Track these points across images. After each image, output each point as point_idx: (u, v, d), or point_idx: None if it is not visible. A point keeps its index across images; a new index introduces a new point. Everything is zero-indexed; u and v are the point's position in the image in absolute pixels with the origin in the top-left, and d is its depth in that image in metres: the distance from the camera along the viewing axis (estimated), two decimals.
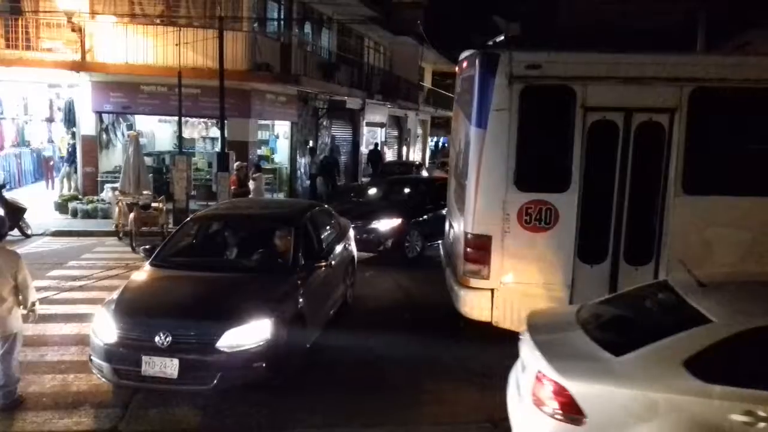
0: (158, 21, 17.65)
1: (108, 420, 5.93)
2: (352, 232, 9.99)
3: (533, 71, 7.03)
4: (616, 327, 5.09)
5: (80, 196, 17.81)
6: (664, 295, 5.07)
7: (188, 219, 8.57)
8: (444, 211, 13.17)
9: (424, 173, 24.89)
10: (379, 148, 29.21)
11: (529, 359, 4.74)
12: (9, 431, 5.73)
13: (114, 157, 19.11)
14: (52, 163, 21.31)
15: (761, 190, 7.23)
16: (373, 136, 32.23)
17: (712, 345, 4.18)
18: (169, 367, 5.83)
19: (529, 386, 4.56)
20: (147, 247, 7.91)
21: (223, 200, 14.83)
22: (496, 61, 7.08)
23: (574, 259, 7.16)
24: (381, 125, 32.72)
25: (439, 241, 13.01)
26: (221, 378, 5.88)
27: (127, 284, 6.96)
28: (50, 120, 21.92)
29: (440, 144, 48.31)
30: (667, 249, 7.12)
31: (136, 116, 19.51)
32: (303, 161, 22.53)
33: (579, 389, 4.23)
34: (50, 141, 22.86)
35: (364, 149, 29.87)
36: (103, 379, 6.19)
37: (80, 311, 8.75)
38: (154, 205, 13.98)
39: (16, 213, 13.48)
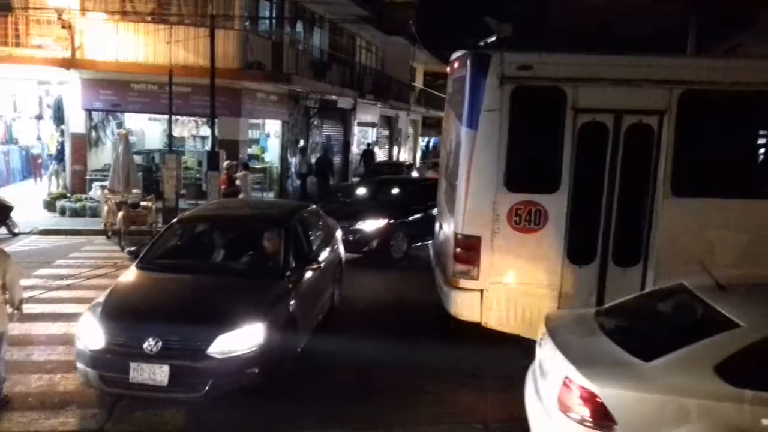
0: (149, 19, 17.55)
1: (94, 421, 5.90)
2: (339, 233, 9.94)
3: (524, 72, 7.04)
4: (641, 332, 5.05)
5: (69, 195, 17.70)
6: (684, 298, 5.04)
7: (175, 220, 8.37)
8: (430, 212, 13.21)
9: (415, 174, 24.89)
10: (371, 147, 29.24)
11: (553, 364, 4.70)
12: None
13: (103, 156, 19.00)
14: (40, 160, 21.19)
15: (750, 192, 7.27)
16: (364, 135, 32.21)
17: (742, 349, 4.18)
18: (159, 374, 5.67)
19: (554, 392, 4.52)
20: (133, 249, 7.74)
21: (213, 199, 14.78)
22: (488, 61, 7.07)
23: (563, 260, 7.16)
24: (372, 125, 32.70)
25: (425, 242, 13.06)
26: (213, 385, 5.73)
27: (113, 288, 6.76)
28: (39, 117, 21.75)
29: (431, 144, 48.33)
30: (655, 251, 7.15)
31: (126, 114, 19.41)
32: (294, 160, 22.49)
33: (610, 396, 4.20)
34: (39, 138, 22.71)
35: (355, 149, 29.85)
36: (90, 387, 6.06)
37: (67, 310, 8.69)
38: (143, 203, 13.91)
39: (2, 211, 13.40)
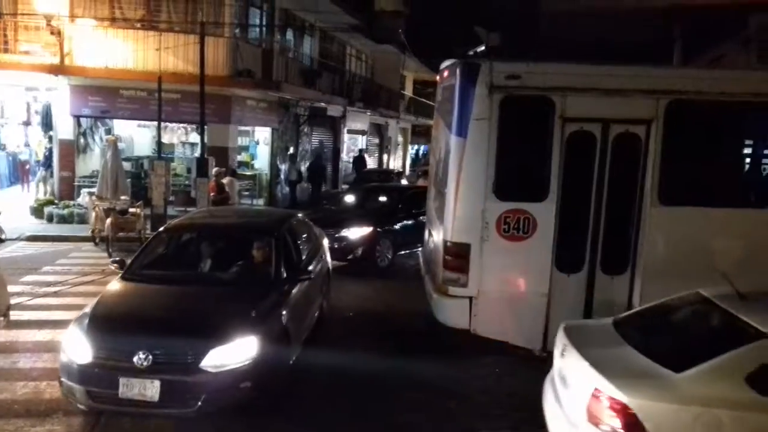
0: (138, 25, 17.52)
1: (81, 429, 5.86)
2: (326, 242, 9.83)
3: (513, 81, 7.10)
4: (667, 342, 5.05)
5: (56, 201, 17.58)
6: (705, 308, 5.07)
7: (162, 229, 8.17)
8: (417, 220, 13.23)
9: (404, 182, 24.94)
10: (362, 155, 29.33)
11: (579, 375, 4.70)
12: None
13: (91, 162, 18.90)
14: (28, 167, 21.05)
15: (737, 201, 7.36)
16: (354, 143, 32.25)
17: None
18: (150, 389, 5.51)
19: (581, 402, 4.53)
20: (117, 259, 7.47)
21: (202, 206, 14.74)
22: (477, 70, 7.13)
23: (552, 268, 7.20)
24: (362, 133, 32.76)
25: (410, 251, 13.06)
26: (205, 400, 5.58)
27: (100, 299, 6.52)
28: (27, 123, 21.65)
29: (421, 152, 48.44)
30: (642, 259, 7.20)
31: (115, 121, 19.32)
32: (283, 167, 22.51)
33: (642, 408, 4.20)
34: (27, 144, 22.55)
35: (345, 156, 29.89)
36: (76, 404, 5.81)
37: (54, 317, 8.64)
38: (131, 210, 13.85)
39: None
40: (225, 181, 14.89)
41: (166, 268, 7.45)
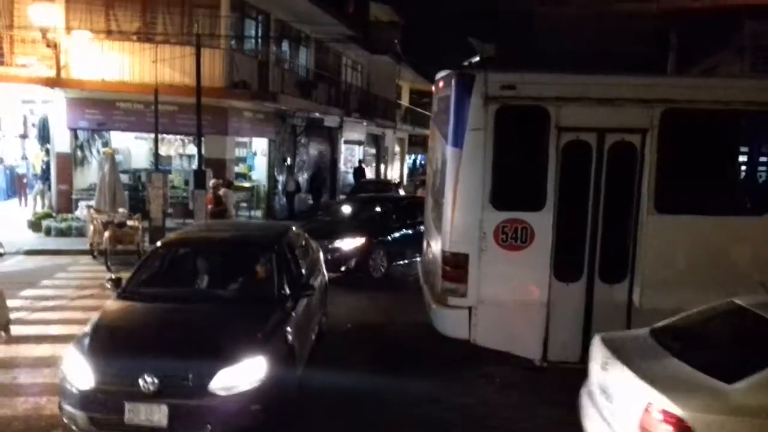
0: (135, 38, 17.59)
1: None
2: (321, 255, 9.64)
3: (508, 92, 7.13)
4: (713, 353, 5.01)
5: (54, 214, 17.58)
6: (744, 317, 5.06)
7: (158, 245, 7.85)
8: (412, 230, 13.22)
9: (402, 192, 24.97)
10: (362, 165, 29.45)
11: (627, 389, 4.68)
12: None
13: (89, 175, 18.92)
14: (25, 180, 21.03)
15: (732, 209, 7.40)
16: (351, 153, 32.32)
17: None
18: (157, 414, 5.30)
19: (631, 417, 4.51)
20: (113, 277, 7.11)
21: (200, 218, 14.75)
22: (472, 81, 7.16)
23: (550, 277, 7.22)
24: (359, 143, 32.83)
25: (405, 261, 13.02)
26: (215, 425, 5.41)
27: (99, 320, 6.25)
28: (24, 136, 21.65)
29: (418, 162, 48.53)
30: (640, 267, 7.22)
31: (112, 133, 19.36)
32: (281, 178, 22.55)
33: (697, 420, 4.18)
34: (24, 158, 22.53)
35: (343, 167, 29.95)
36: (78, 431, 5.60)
37: (53, 332, 8.63)
38: (129, 223, 13.85)
39: None
40: (221, 192, 14.90)
41: (165, 285, 7.22)
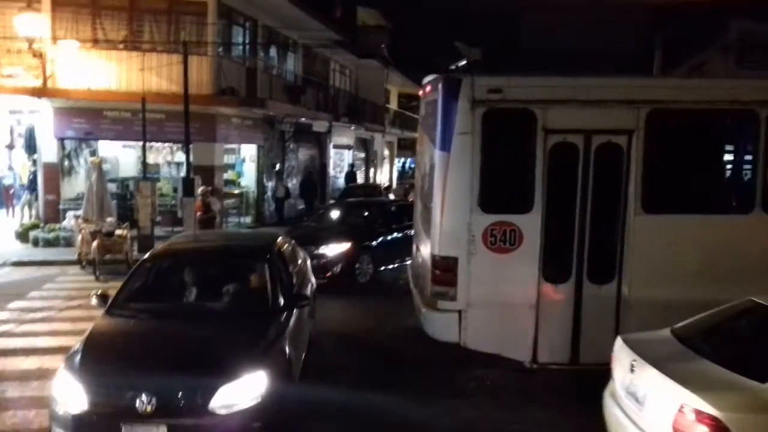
0: (121, 46, 17.53)
1: None
2: (309, 262, 9.49)
3: (495, 95, 7.16)
4: (742, 352, 5.05)
5: (41, 225, 17.46)
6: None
7: (146, 257, 7.53)
8: (398, 235, 13.17)
9: (392, 196, 24.97)
10: (353, 170, 29.49)
11: (659, 391, 4.69)
12: None
13: (77, 184, 18.80)
14: (12, 191, 20.86)
15: (719, 207, 7.45)
16: (340, 158, 32.30)
17: None
18: None
19: (665, 420, 4.52)
20: (99, 293, 6.75)
21: (189, 226, 14.68)
22: (459, 85, 7.19)
23: (539, 279, 7.24)
24: (348, 147, 32.83)
25: (392, 266, 12.96)
26: None
27: (89, 339, 5.96)
28: (11, 147, 21.47)
29: (407, 165, 48.55)
30: (628, 267, 7.25)
31: (100, 142, 19.27)
32: (270, 184, 22.52)
33: (733, 420, 4.21)
34: (10, 168, 22.35)
35: (332, 171, 29.94)
36: None
37: (42, 344, 8.55)
38: (117, 232, 13.76)
39: None
40: (207, 200, 14.86)
41: (155, 300, 6.92)
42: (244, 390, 5.31)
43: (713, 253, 7.27)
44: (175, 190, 19.12)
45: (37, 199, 18.33)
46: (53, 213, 17.98)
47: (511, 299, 7.25)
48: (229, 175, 21.78)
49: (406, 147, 44.22)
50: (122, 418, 5.13)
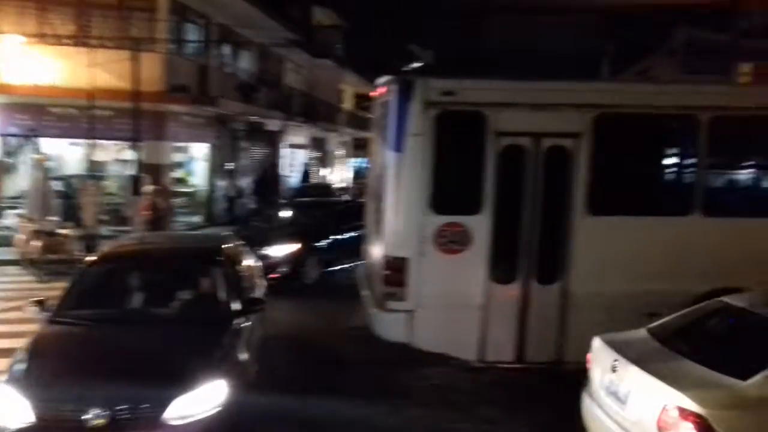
0: (69, 42, 17.05)
1: None
2: (259, 263, 9.22)
3: (448, 97, 7.24)
4: (721, 351, 5.17)
5: None
6: (739, 316, 5.30)
7: (90, 260, 7.11)
8: (347, 235, 12.99)
9: (347, 196, 24.89)
10: (308, 169, 29.31)
11: (643, 390, 4.80)
12: None
13: (19, 182, 18.18)
14: None
15: (661, 210, 7.66)
16: (294, 158, 32.10)
17: None
18: None
19: (650, 419, 4.62)
20: (39, 299, 6.32)
21: (137, 225, 14.36)
22: (412, 87, 7.25)
23: (488, 279, 7.34)
24: (303, 147, 32.66)
25: (340, 267, 12.80)
26: None
27: (33, 349, 5.61)
28: None
29: (362, 166, 48.53)
30: (574, 268, 7.40)
31: (45, 139, 18.67)
32: (222, 184, 22.21)
33: (717, 417, 4.32)
34: None
35: (286, 171, 29.72)
36: None
37: None
38: (61, 231, 13.37)
39: None
40: (159, 199, 14.54)
41: (102, 305, 6.51)
42: (202, 400, 5.10)
43: (656, 253, 7.46)
44: (123, 188, 18.68)
45: None
46: None
47: (460, 299, 7.32)
48: (179, 173, 21.39)
49: (361, 147, 44.20)
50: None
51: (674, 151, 8.16)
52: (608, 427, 5.09)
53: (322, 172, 36.66)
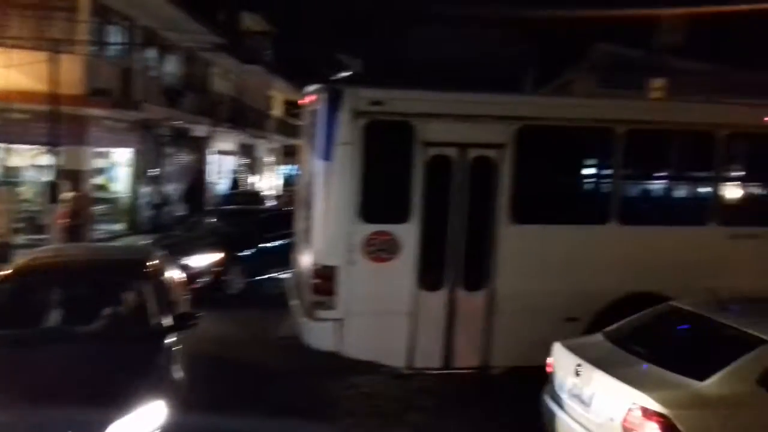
0: None
1: None
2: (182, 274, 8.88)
3: (376, 107, 7.30)
4: (678, 354, 5.47)
5: None
6: (694, 320, 5.63)
7: (3, 274, 6.62)
8: (273, 244, 12.83)
9: (272, 205, 24.60)
10: (236, 176, 28.86)
11: (608, 392, 5.02)
12: None
13: None
14: None
15: (581, 218, 7.94)
16: (222, 164, 31.55)
17: None
18: None
19: (615, 419, 4.86)
20: None
21: (54, 233, 13.82)
22: (341, 96, 7.27)
23: (416, 287, 7.42)
24: (231, 153, 32.15)
25: (266, 276, 12.65)
26: None
27: None
28: None
29: (292, 173, 48.16)
30: (499, 275, 7.59)
31: None
32: (146, 190, 21.60)
33: (679, 417, 4.58)
34: None
35: (213, 178, 29.18)
36: None
37: None
38: None
39: None
40: (78, 206, 14.04)
41: (20, 325, 5.96)
42: (142, 422, 4.78)
43: (576, 261, 7.73)
44: (39, 195, 17.89)
45: None
46: None
47: (389, 307, 7.38)
48: (100, 180, 20.66)
49: (291, 154, 43.88)
50: None
51: (592, 162, 8.52)
52: (573, 429, 5.29)
53: (251, 179, 36.16)
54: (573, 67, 20.91)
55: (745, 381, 4.82)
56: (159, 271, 6.91)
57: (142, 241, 15.25)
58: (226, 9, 27.56)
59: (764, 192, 8.78)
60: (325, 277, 7.32)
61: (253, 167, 36.86)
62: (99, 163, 20.33)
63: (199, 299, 10.26)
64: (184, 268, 10.87)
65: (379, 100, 7.30)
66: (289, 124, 40.04)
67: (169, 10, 20.02)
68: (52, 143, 14.81)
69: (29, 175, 19.25)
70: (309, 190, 8.10)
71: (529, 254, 7.61)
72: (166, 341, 5.84)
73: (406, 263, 7.36)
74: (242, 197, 24.47)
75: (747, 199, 8.41)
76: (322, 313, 7.34)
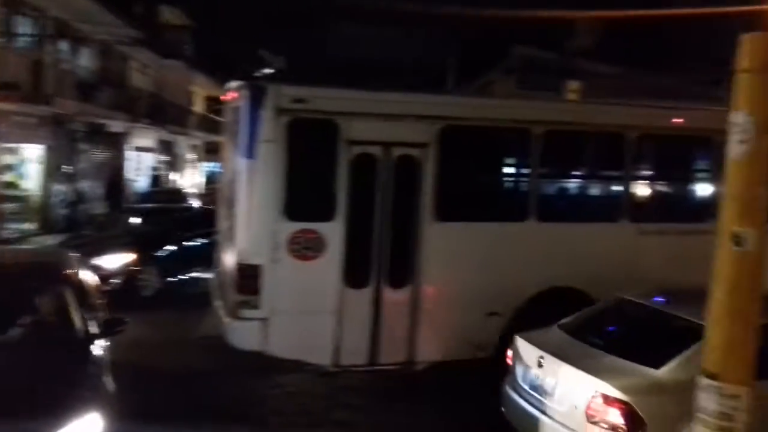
0: None
1: None
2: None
3: (299, 105, 7.27)
4: (634, 344, 5.75)
5: None
6: (644, 311, 6.00)
7: None
8: (190, 243, 12.56)
9: (194, 203, 24.00)
10: (157, 174, 28.01)
11: (570, 382, 5.27)
12: None
13: None
14: None
15: (501, 216, 8.17)
16: (141, 161, 30.56)
17: None
18: None
19: (578, 407, 5.12)
20: None
21: None
22: (264, 93, 7.21)
23: (341, 285, 7.45)
24: (150, 150, 31.18)
25: (184, 276, 12.30)
26: None
27: None
28: None
29: (214, 170, 47.18)
30: (423, 272, 7.71)
31: None
32: (59, 188, 20.67)
33: (639, 403, 4.88)
34: None
35: (132, 175, 28.24)
36: None
37: None
38: None
39: None
40: None
41: None
42: None
43: (498, 257, 7.93)
44: None
45: None
46: None
47: (315, 305, 7.38)
48: (8, 177, 19.64)
49: (214, 151, 42.95)
50: None
51: (512, 161, 8.80)
52: (537, 418, 5.50)
53: (172, 176, 35.20)
54: (494, 69, 21.43)
55: (697, 367, 5.17)
56: (76, 274, 6.53)
57: (52, 241, 14.58)
58: (143, 1, 26.69)
59: (671, 190, 9.30)
60: (249, 276, 7.23)
61: (174, 164, 35.89)
62: (7, 159, 19.36)
63: (109, 302, 9.88)
64: (96, 269, 10.40)
65: (303, 98, 7.28)
66: (212, 121, 39.18)
67: (81, 2, 19.21)
68: None
69: None
70: (232, 187, 7.99)
71: (452, 251, 7.77)
72: (94, 349, 5.50)
73: (331, 261, 7.37)
74: (163, 195, 23.76)
75: (655, 197, 8.86)
76: (247, 313, 7.25)
